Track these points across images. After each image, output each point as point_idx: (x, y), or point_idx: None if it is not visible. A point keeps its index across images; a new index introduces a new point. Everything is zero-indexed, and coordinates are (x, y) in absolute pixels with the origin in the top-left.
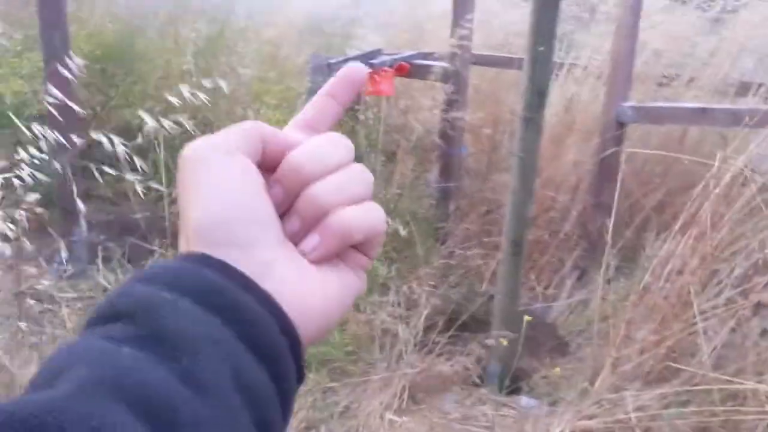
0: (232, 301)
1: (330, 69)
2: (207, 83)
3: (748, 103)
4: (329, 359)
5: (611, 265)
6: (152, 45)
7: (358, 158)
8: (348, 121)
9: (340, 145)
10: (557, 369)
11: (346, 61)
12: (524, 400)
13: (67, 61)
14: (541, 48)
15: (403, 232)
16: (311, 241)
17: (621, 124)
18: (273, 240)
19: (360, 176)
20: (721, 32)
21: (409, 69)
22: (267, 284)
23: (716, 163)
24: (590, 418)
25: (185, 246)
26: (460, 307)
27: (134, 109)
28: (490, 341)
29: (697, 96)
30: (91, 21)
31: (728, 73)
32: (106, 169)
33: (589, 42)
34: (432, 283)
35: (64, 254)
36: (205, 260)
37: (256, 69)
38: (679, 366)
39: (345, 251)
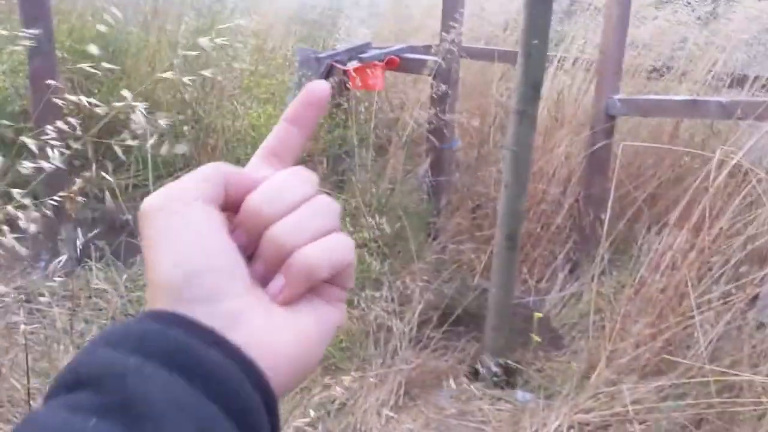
0: (199, 359)
1: (319, 63)
2: (189, 80)
3: (741, 96)
4: (324, 356)
5: (605, 258)
6: (136, 39)
7: (349, 153)
8: (338, 115)
9: (302, 180)
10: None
11: (335, 55)
12: (520, 393)
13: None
14: (536, 41)
15: (387, 229)
16: (277, 283)
17: (611, 117)
18: (240, 288)
19: (325, 209)
20: (711, 27)
21: (399, 63)
22: (236, 336)
23: (716, 156)
24: (587, 411)
25: (151, 301)
26: (453, 301)
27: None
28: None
29: (690, 90)
30: (73, 14)
31: (720, 67)
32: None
33: (577, 34)
34: (425, 278)
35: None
36: (171, 318)
37: (244, 62)
38: (675, 358)
39: (319, 286)
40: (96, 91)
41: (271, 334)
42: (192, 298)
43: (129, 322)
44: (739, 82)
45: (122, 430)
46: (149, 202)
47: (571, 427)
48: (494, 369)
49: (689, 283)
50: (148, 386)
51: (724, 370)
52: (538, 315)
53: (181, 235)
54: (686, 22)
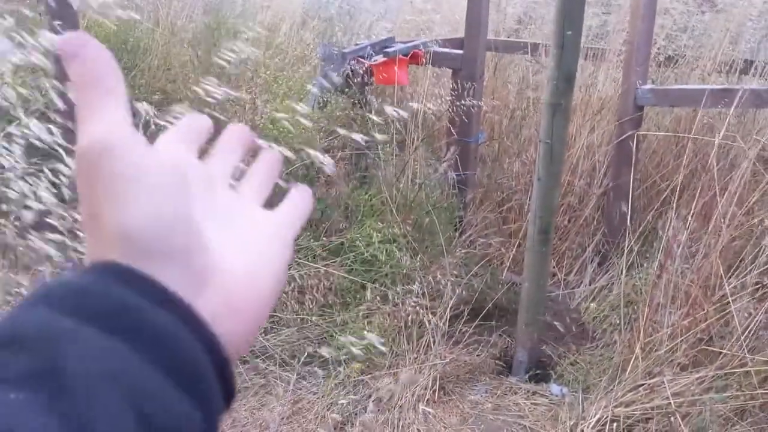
0: (144, 321)
1: (343, 58)
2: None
3: (752, 81)
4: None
5: (634, 249)
6: (149, 36)
7: (371, 149)
8: (360, 110)
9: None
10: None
11: (358, 50)
12: (554, 387)
13: None
14: (569, 32)
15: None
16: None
17: (639, 107)
18: (206, 241)
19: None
20: (714, 11)
21: (424, 57)
22: (208, 293)
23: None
24: (627, 404)
25: (101, 253)
26: (483, 295)
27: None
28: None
29: (701, 77)
30: (88, 12)
31: (728, 51)
32: None
33: (592, 23)
34: (455, 272)
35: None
36: (119, 273)
37: (260, 57)
38: (714, 349)
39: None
40: None
41: (245, 264)
42: (164, 253)
43: (71, 277)
44: (744, 69)
45: (46, 400)
46: (96, 139)
47: (614, 420)
48: (527, 363)
49: (721, 272)
50: (81, 353)
51: (766, 359)
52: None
53: (150, 179)
54: (689, 10)
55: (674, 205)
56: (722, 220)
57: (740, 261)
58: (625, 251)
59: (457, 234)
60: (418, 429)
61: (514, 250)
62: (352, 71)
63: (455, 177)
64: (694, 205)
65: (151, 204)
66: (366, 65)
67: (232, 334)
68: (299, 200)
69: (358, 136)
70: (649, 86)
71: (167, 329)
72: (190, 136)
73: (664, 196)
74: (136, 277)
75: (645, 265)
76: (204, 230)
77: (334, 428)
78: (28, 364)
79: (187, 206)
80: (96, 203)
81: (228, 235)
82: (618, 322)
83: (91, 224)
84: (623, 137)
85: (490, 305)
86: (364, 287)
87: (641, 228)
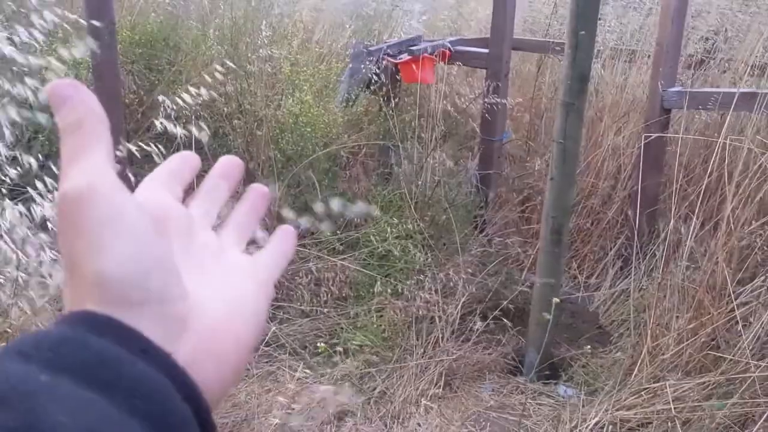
0: (122, 372)
1: (370, 56)
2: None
3: None
4: (366, 345)
5: (656, 254)
6: (190, 32)
7: (395, 145)
8: (383, 107)
9: None
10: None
11: (386, 47)
12: (562, 389)
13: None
14: (583, 32)
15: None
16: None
17: (666, 110)
18: (184, 288)
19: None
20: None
21: (451, 55)
22: (185, 340)
23: None
24: (629, 408)
25: (79, 301)
26: (498, 294)
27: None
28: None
29: (732, 80)
30: (136, 8)
31: (761, 54)
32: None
33: (612, 25)
34: (470, 270)
35: None
36: (94, 321)
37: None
38: (719, 354)
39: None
40: (156, 82)
41: (223, 315)
42: (141, 300)
43: (47, 327)
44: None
45: None
46: (77, 185)
47: (611, 423)
48: (538, 363)
49: (728, 278)
50: (59, 409)
51: None
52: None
53: (128, 225)
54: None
55: (697, 210)
56: (732, 225)
57: (750, 267)
58: (648, 255)
59: (475, 232)
60: (417, 423)
61: (534, 250)
62: (378, 69)
63: (477, 175)
64: (700, 209)
65: (128, 250)
66: (392, 63)
67: (211, 380)
68: (283, 242)
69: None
70: (676, 89)
71: (146, 379)
72: (174, 178)
73: (690, 200)
74: (113, 325)
75: (665, 269)
76: (183, 275)
77: (337, 416)
78: (6, 421)
79: (164, 252)
80: (74, 250)
81: (207, 280)
82: (636, 326)
83: (70, 271)
84: (649, 140)
85: (504, 304)
86: (378, 281)
87: (665, 232)
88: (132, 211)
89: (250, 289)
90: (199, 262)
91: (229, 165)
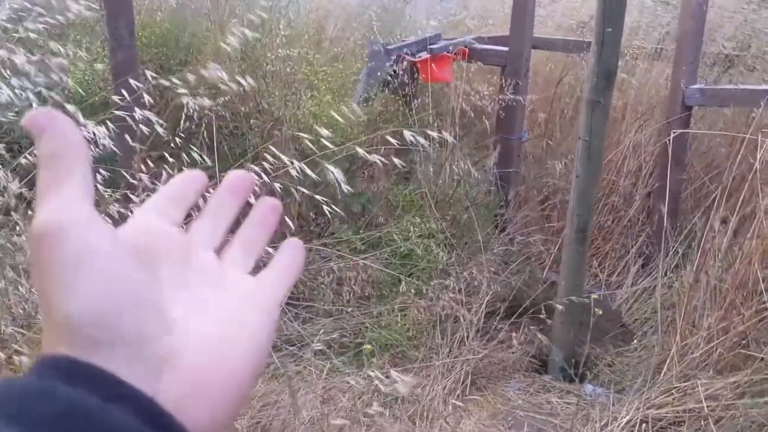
0: (92, 421)
1: (388, 54)
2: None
3: None
4: (391, 344)
5: (679, 251)
6: (201, 33)
7: (414, 144)
8: (401, 107)
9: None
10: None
11: (404, 46)
12: (589, 387)
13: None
14: (609, 29)
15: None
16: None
17: (687, 107)
18: (168, 323)
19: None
20: None
21: (469, 54)
22: (166, 379)
23: None
24: (659, 407)
25: (52, 343)
26: (521, 293)
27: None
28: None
29: (759, 77)
30: (142, 8)
31: None
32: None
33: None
34: (492, 269)
35: None
36: (65, 367)
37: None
38: (751, 353)
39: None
40: (167, 84)
41: (211, 346)
42: (113, 341)
43: (11, 380)
44: None
45: None
46: (44, 222)
47: (643, 421)
48: (563, 362)
49: (760, 276)
50: None
51: None
52: (595, 296)
53: (99, 263)
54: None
55: (720, 207)
56: (764, 224)
57: None
58: (669, 253)
59: (497, 231)
60: (446, 422)
61: (555, 248)
62: (396, 67)
63: (497, 174)
64: (737, 208)
65: (96, 290)
66: (410, 61)
67: (201, 418)
68: (290, 260)
69: (407, 134)
70: (697, 86)
71: (119, 427)
72: (172, 202)
73: (713, 197)
74: (84, 371)
75: (688, 267)
76: (171, 308)
77: (365, 416)
78: None
79: (143, 287)
80: (44, 289)
81: (200, 308)
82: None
83: (45, 311)
84: (670, 137)
85: (527, 303)
86: (401, 281)
87: (686, 230)
88: (105, 246)
89: (249, 316)
90: (193, 289)
91: (237, 180)
